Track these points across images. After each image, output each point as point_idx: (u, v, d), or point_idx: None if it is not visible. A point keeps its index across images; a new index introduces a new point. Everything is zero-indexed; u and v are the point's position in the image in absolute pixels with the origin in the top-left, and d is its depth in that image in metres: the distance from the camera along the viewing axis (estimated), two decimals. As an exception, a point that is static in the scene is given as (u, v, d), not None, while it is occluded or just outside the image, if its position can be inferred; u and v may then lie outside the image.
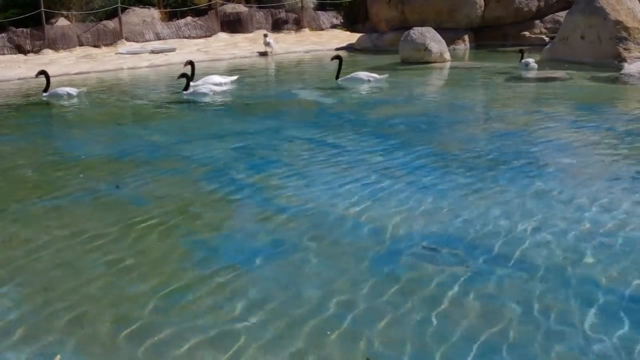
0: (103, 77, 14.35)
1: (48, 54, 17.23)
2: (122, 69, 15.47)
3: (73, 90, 11.12)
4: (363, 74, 11.74)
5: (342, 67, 11.85)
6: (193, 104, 10.36)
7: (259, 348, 3.07)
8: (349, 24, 22.61)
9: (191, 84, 10.92)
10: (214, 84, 11.18)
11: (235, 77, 12.01)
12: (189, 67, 11.64)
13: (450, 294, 3.52)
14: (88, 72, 14.93)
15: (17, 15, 17.80)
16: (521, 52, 13.17)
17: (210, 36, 20.58)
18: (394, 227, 4.50)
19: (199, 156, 6.69)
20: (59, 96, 11.04)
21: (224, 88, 11.23)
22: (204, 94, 10.69)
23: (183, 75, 10.81)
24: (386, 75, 11.94)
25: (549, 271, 3.76)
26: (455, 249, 4.11)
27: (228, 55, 17.73)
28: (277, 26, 22.04)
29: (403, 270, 3.84)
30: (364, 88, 11.34)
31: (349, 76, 11.75)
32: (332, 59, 12.34)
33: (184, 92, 10.73)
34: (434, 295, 3.53)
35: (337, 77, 11.77)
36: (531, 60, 12.71)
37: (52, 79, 11.53)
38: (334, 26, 22.92)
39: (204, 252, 4.19)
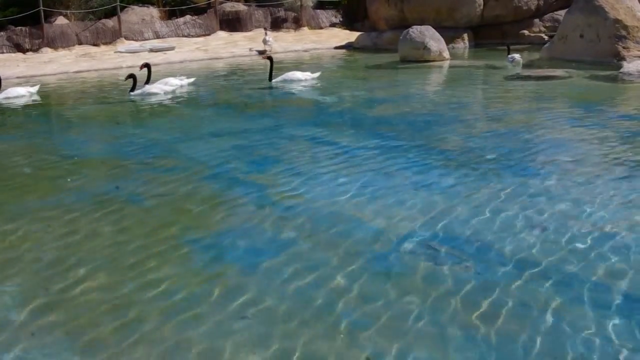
0: (102, 75, 14.33)
1: (47, 53, 17.20)
2: (121, 67, 15.45)
3: (33, 89, 11.09)
4: (299, 74, 11.86)
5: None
6: (189, 103, 10.35)
7: (257, 346, 3.08)
8: (348, 23, 22.60)
9: (147, 85, 10.95)
10: (169, 85, 11.16)
11: (192, 79, 11.96)
12: (145, 69, 11.46)
13: (450, 292, 3.53)
14: (87, 71, 14.92)
15: (16, 13, 17.77)
16: (507, 47, 14.19)
17: (209, 35, 20.55)
18: (393, 227, 4.50)
19: (190, 153, 6.70)
20: (18, 96, 10.89)
21: (175, 88, 11.19)
22: (155, 94, 10.68)
23: (130, 76, 10.79)
24: (319, 73, 12.00)
25: (549, 270, 3.77)
26: (456, 248, 4.11)
27: (227, 54, 17.73)
28: (276, 25, 22.01)
29: (403, 270, 3.84)
30: (308, 85, 11.40)
31: (283, 76, 11.79)
32: (263, 58, 12.40)
33: (131, 93, 10.70)
34: (434, 293, 3.53)
35: (270, 79, 11.76)
36: (517, 56, 13.52)
37: (51, 77, 11.53)
38: (333, 25, 22.90)
39: (205, 252, 4.18)
